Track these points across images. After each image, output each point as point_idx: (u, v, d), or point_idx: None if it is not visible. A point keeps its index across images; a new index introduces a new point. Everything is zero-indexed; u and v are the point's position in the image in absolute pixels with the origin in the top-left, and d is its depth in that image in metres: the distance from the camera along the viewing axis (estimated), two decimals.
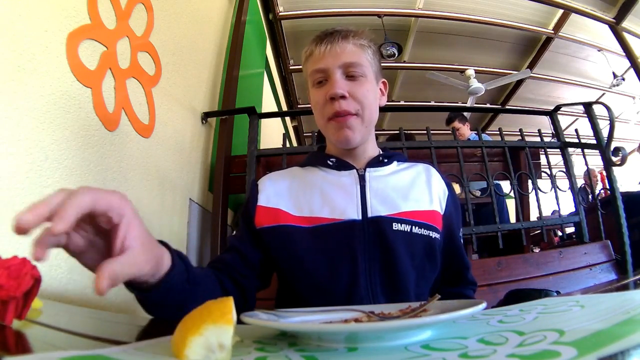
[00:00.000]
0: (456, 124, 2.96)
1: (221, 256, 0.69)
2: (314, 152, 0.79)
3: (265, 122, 3.01)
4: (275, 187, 0.71)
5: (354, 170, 0.70)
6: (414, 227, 0.64)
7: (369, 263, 0.62)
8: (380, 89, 0.74)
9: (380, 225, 0.64)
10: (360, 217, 0.65)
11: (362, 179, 0.69)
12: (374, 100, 0.69)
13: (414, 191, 0.70)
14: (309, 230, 0.64)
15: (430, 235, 0.66)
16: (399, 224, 0.64)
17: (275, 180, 0.73)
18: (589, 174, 2.82)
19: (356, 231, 0.64)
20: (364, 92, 0.67)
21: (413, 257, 0.63)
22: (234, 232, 0.78)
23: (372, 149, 0.75)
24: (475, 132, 3.08)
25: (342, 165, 0.71)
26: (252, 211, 0.70)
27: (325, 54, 0.67)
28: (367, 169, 0.70)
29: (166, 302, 0.49)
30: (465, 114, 3.18)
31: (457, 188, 1.83)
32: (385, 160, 0.73)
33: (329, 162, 0.72)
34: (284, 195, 0.70)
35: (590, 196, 2.57)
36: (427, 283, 0.69)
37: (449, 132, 1.83)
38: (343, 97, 0.65)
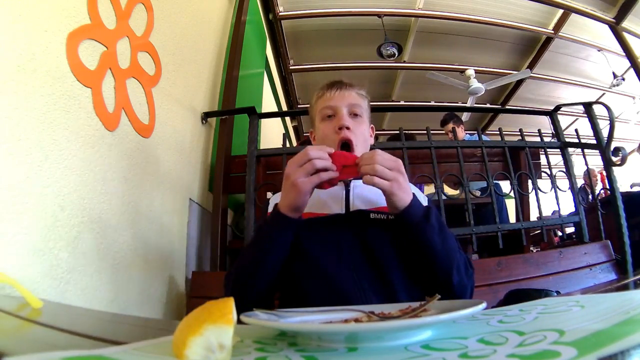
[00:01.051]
0: (450, 125, 2.96)
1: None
2: None
3: (265, 122, 3.01)
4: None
5: (342, 182, 0.84)
6: (389, 216, 0.76)
7: (352, 246, 0.74)
8: (370, 132, 0.92)
9: (360, 215, 0.78)
10: (343, 211, 0.80)
11: (347, 186, 0.84)
12: (367, 138, 0.87)
13: None
14: (304, 222, 0.76)
15: None
16: (377, 214, 0.77)
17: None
18: (588, 174, 2.82)
19: (340, 221, 0.78)
20: (362, 130, 0.85)
21: (391, 238, 0.73)
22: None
23: None
24: (470, 133, 3.09)
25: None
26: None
27: (334, 96, 0.85)
28: (353, 181, 0.85)
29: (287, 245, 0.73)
30: (461, 115, 3.18)
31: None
32: None
33: None
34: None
35: (590, 196, 2.57)
36: (413, 267, 0.73)
37: (449, 132, 1.83)
38: (348, 128, 0.81)
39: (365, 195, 0.82)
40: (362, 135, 0.84)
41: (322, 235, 0.75)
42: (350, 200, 0.81)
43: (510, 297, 1.06)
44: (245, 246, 0.79)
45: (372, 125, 0.92)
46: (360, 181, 0.80)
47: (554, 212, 2.82)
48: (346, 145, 0.80)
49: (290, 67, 4.51)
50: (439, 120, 3.12)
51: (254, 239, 0.77)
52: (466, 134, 3.06)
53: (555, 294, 0.97)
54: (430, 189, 2.34)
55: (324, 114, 0.85)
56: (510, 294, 1.09)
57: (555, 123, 2.00)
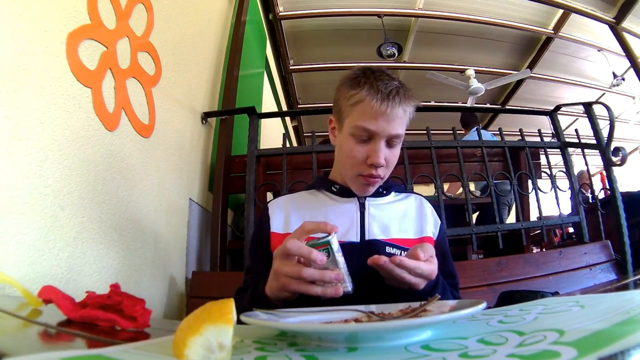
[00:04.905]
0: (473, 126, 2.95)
1: (245, 283, 0.77)
2: (320, 177, 0.88)
3: (265, 122, 3.01)
4: (285, 213, 0.79)
5: (356, 199, 0.78)
6: (402, 253, 0.71)
7: (365, 278, 0.67)
8: None
9: (375, 247, 0.72)
10: (358, 240, 0.73)
11: (362, 207, 0.77)
12: (396, 160, 0.76)
13: (405, 222, 0.79)
14: None
15: None
16: (391, 248, 0.72)
17: (283, 206, 0.80)
18: (584, 176, 2.81)
19: (355, 252, 0.71)
20: (395, 159, 0.74)
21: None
22: (247, 253, 0.88)
23: None
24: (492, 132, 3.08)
25: (345, 192, 0.79)
26: (267, 237, 0.77)
27: (378, 116, 0.69)
28: (367, 199, 0.78)
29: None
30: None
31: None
32: (384, 192, 0.81)
33: (333, 188, 0.80)
34: (295, 219, 0.77)
35: (588, 197, 2.56)
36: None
37: (450, 132, 1.82)
38: (381, 166, 0.71)
39: (381, 218, 0.76)
40: (392, 164, 0.74)
41: None
42: (365, 225, 0.74)
43: (504, 299, 1.04)
44: (244, 293, 0.72)
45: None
46: (375, 200, 0.79)
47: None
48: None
49: (290, 67, 4.51)
50: (439, 120, 3.12)
51: (247, 298, 0.68)
52: (487, 132, 3.05)
53: (551, 294, 0.96)
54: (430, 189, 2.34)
55: (359, 136, 0.71)
56: (504, 295, 1.07)
57: (555, 123, 2.00)
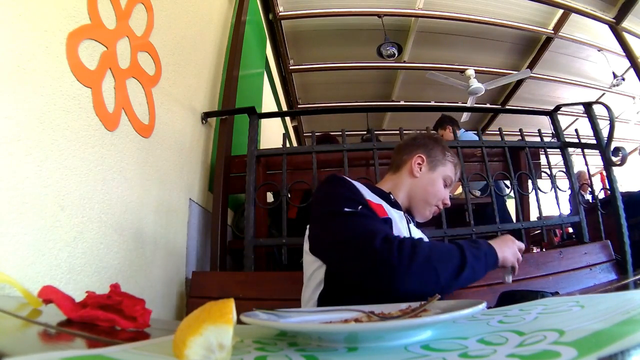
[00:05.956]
0: (449, 127, 2.87)
1: (385, 230, 0.78)
2: (369, 184, 1.06)
3: (265, 122, 3.01)
4: (366, 192, 0.90)
5: (402, 212, 1.00)
6: None
7: None
8: None
9: None
10: None
11: (408, 220, 0.99)
12: None
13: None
14: (393, 227, 0.90)
15: None
16: None
17: (360, 186, 0.90)
18: (582, 176, 2.80)
19: None
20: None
21: None
22: (328, 213, 0.83)
23: None
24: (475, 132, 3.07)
25: (397, 205, 1.00)
26: (365, 200, 0.85)
27: (455, 178, 1.07)
28: (406, 215, 1.01)
29: None
30: (461, 116, 3.14)
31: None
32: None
33: (390, 197, 0.99)
34: (374, 199, 0.90)
35: (587, 199, 2.56)
36: None
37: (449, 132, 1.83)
38: (448, 205, 1.05)
39: (415, 232, 0.99)
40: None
41: None
42: (410, 232, 0.95)
43: (504, 298, 1.05)
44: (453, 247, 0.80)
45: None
46: (411, 217, 1.04)
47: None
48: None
49: (290, 67, 4.51)
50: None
51: (465, 249, 0.77)
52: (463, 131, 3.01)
53: (551, 294, 0.97)
54: None
55: (446, 182, 1.04)
56: (504, 295, 1.07)
57: (555, 123, 2.00)
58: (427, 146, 1.06)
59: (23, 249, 0.74)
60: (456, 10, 3.82)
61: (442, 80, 4.39)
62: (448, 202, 1.03)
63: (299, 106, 5.13)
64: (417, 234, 1.00)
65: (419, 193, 1.02)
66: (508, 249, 0.83)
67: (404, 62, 4.54)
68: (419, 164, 1.04)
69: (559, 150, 1.95)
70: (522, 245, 0.87)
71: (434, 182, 1.02)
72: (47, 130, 0.84)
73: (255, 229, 1.60)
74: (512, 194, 1.80)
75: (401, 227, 0.92)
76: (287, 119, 5.28)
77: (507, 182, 2.08)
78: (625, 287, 1.16)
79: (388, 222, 0.88)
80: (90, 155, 0.97)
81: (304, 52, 4.39)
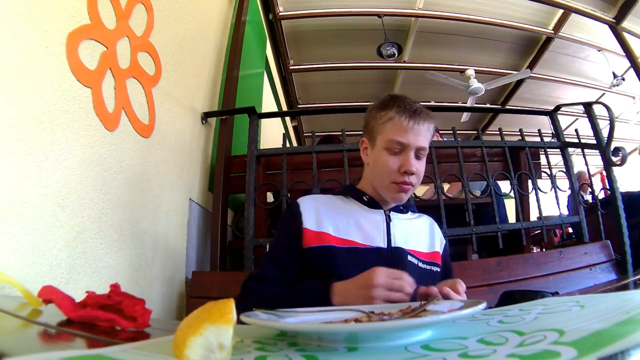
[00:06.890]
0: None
1: (264, 273, 0.86)
2: (349, 186, 0.98)
3: (265, 122, 3.01)
4: (318, 212, 0.86)
5: (382, 211, 0.89)
6: (419, 262, 0.86)
7: None
8: None
9: (399, 253, 0.84)
10: (385, 246, 0.85)
11: (388, 218, 0.88)
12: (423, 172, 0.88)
13: (419, 237, 0.92)
14: (346, 250, 0.82)
15: (432, 269, 0.89)
16: (411, 257, 0.85)
17: (313, 205, 0.88)
18: (582, 176, 2.80)
19: (382, 256, 0.83)
20: (422, 170, 0.86)
21: (418, 283, 0.76)
22: (269, 245, 0.96)
23: None
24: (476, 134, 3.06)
25: (373, 203, 0.89)
26: (299, 232, 0.84)
27: (408, 131, 0.81)
28: (392, 212, 0.90)
29: None
30: (461, 116, 3.15)
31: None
32: (404, 209, 0.93)
33: (364, 198, 0.90)
34: (327, 220, 0.85)
35: (587, 200, 2.55)
36: None
37: (450, 132, 1.83)
38: (412, 173, 0.82)
39: (405, 229, 0.89)
40: (421, 175, 0.86)
41: (361, 266, 0.74)
42: (391, 234, 0.86)
43: (505, 298, 1.05)
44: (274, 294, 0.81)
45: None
46: (397, 215, 0.91)
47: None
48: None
49: (290, 67, 4.51)
50: (439, 120, 3.10)
51: (289, 295, 0.77)
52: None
53: (551, 294, 0.97)
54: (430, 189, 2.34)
55: (392, 148, 0.83)
56: (504, 295, 1.08)
57: (555, 123, 2.00)
58: (365, 124, 0.91)
59: (23, 249, 0.74)
60: (456, 10, 3.82)
61: (442, 80, 4.39)
62: (409, 168, 0.80)
63: (299, 106, 5.13)
64: (405, 233, 0.88)
65: (374, 179, 0.88)
66: (352, 297, 0.69)
67: (404, 62, 4.54)
68: (365, 148, 0.91)
69: (559, 150, 1.95)
70: (398, 275, 0.68)
71: (376, 159, 0.85)
72: (47, 130, 0.84)
73: (255, 229, 1.60)
74: (512, 194, 1.80)
75: (373, 232, 0.84)
76: (287, 119, 5.27)
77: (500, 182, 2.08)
78: (625, 287, 1.17)
79: (327, 251, 0.81)
80: (90, 155, 0.97)
81: (304, 52, 4.39)
